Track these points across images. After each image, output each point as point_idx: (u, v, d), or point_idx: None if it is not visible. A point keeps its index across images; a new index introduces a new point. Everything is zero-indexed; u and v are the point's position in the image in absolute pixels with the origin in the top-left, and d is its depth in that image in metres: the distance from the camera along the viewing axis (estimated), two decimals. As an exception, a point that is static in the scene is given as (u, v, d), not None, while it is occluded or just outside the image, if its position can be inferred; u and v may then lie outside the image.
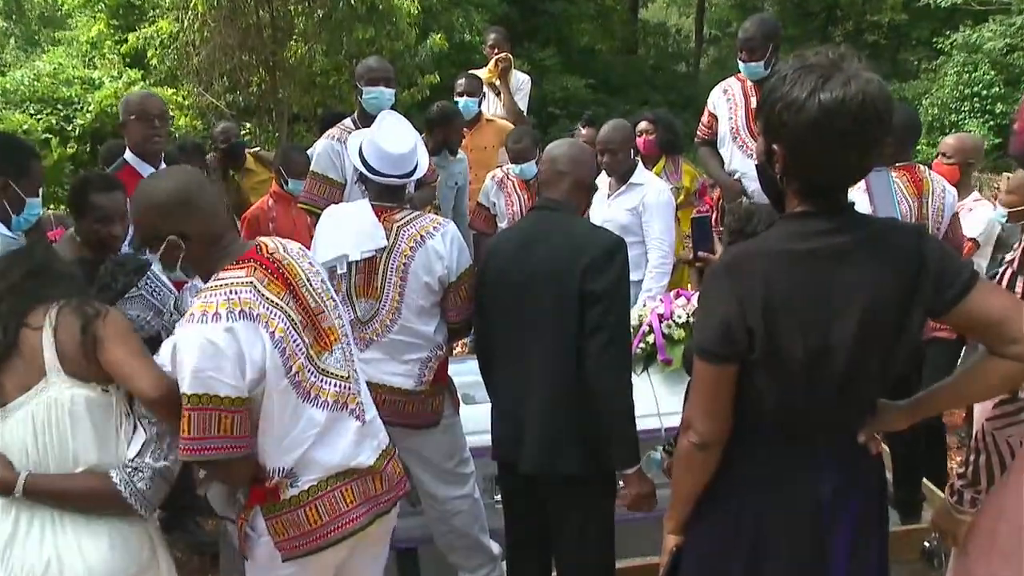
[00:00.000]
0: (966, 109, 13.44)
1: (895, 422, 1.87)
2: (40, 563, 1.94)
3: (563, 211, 2.61)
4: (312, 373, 2.12)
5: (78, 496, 2.00)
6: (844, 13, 20.92)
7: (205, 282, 2.08)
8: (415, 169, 2.96)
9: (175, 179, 2.12)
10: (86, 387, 1.99)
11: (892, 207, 3.03)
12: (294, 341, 2.07)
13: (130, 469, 2.02)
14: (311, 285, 2.18)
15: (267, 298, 2.04)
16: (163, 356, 2.01)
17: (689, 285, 4.89)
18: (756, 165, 1.84)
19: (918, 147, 13.28)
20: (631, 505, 2.54)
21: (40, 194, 2.92)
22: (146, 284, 2.25)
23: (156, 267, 2.21)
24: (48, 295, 2.05)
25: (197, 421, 1.94)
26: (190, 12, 9.42)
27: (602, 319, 2.39)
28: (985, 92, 13.32)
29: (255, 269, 2.07)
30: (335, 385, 2.18)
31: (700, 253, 2.90)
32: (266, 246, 2.16)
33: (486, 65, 6.07)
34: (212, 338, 1.93)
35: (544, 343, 2.50)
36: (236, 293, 2.00)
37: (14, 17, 16.63)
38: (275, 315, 2.04)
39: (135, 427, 2.07)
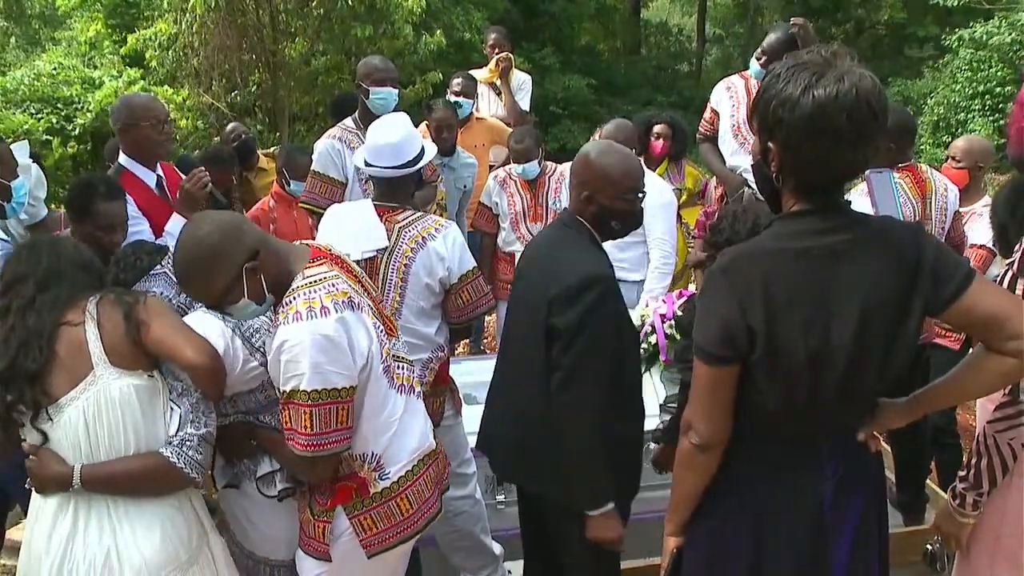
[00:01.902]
0: (976, 108, 13.29)
1: (894, 419, 1.87)
2: (101, 555, 2.00)
3: (572, 227, 2.46)
4: (391, 358, 2.22)
5: (135, 477, 2.04)
6: (844, 13, 20.88)
7: (282, 296, 2.07)
8: (415, 160, 2.94)
9: (202, 223, 2.07)
10: (133, 375, 2.04)
11: (894, 208, 3.03)
12: (378, 328, 2.16)
13: (177, 441, 2.08)
14: (365, 278, 2.27)
15: (354, 288, 2.12)
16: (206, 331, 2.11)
17: (692, 285, 4.89)
18: (752, 164, 1.84)
19: (922, 147, 13.30)
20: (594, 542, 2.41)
21: (16, 173, 2.90)
22: (168, 262, 2.28)
23: (243, 315, 2.15)
24: (77, 292, 2.08)
25: (319, 416, 1.98)
26: (188, 14, 9.42)
27: (561, 357, 2.28)
28: (999, 89, 13.07)
29: (332, 264, 2.13)
30: (405, 369, 2.29)
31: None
32: (321, 245, 2.23)
33: (485, 64, 6.07)
34: (325, 332, 1.97)
35: (518, 363, 2.50)
36: (333, 285, 2.06)
37: (14, 16, 16.65)
38: (365, 303, 2.13)
39: (171, 408, 2.12)
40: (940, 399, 1.92)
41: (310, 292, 2.02)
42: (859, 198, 3.23)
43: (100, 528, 2.02)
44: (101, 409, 2.00)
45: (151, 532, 2.05)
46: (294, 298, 2.02)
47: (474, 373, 3.66)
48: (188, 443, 2.08)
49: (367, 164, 2.92)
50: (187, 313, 2.29)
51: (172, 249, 2.42)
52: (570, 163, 2.67)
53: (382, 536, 2.20)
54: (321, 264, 2.11)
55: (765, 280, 1.66)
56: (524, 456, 2.47)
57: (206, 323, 2.17)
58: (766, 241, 1.73)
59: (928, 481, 3.74)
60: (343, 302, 2.03)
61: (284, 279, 2.08)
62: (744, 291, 1.67)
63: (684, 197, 5.19)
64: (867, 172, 2.94)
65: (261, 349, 2.19)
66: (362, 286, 2.21)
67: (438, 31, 11.40)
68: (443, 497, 2.99)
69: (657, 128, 5.13)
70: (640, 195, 2.47)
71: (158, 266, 2.28)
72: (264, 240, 2.10)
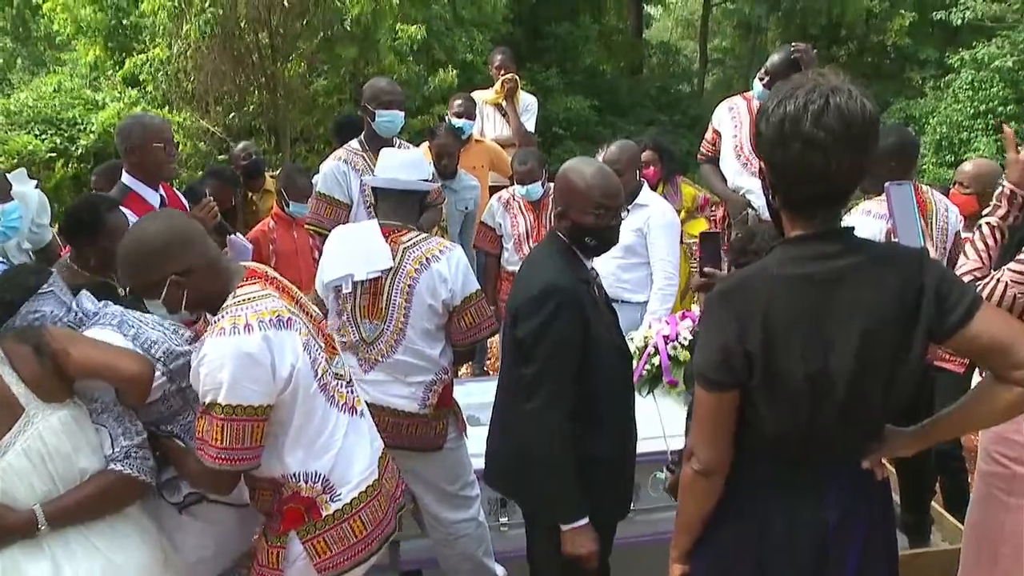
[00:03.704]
0: (979, 127, 13.35)
1: (900, 448, 1.86)
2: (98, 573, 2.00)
3: (553, 243, 2.54)
4: (331, 377, 2.23)
5: (97, 498, 2.04)
6: (847, 33, 21.00)
7: (214, 313, 2.12)
8: (425, 178, 3.01)
9: (161, 220, 2.21)
10: (66, 406, 2.03)
11: (914, 223, 2.99)
12: (315, 346, 2.18)
13: (121, 455, 2.09)
14: (304, 299, 2.30)
15: (287, 307, 2.15)
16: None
17: (694, 306, 4.89)
18: (762, 188, 1.85)
19: (925, 166, 13.34)
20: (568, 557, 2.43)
21: (9, 197, 2.87)
22: (55, 282, 2.24)
23: (156, 313, 2.22)
24: None
25: (232, 431, 2.01)
26: (180, 39, 9.47)
27: (522, 366, 2.36)
28: (1001, 109, 13.18)
29: (265, 283, 2.18)
30: (347, 389, 2.31)
31: (706, 269, 2.91)
32: (257, 266, 2.26)
33: (490, 86, 6.11)
34: (247, 349, 2.00)
35: (501, 377, 2.62)
36: (262, 304, 2.09)
37: (21, 38, 16.80)
38: (298, 321, 2.15)
39: (96, 429, 2.12)
40: (948, 429, 1.89)
41: (237, 310, 2.07)
42: (865, 218, 3.24)
43: (87, 553, 2.01)
44: (48, 444, 1.97)
45: (127, 552, 2.07)
46: (222, 315, 2.07)
47: (477, 395, 3.66)
48: (132, 453, 2.10)
49: (380, 181, 2.99)
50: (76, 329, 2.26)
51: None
52: None
53: (336, 559, 2.19)
54: (253, 284, 2.16)
55: (764, 306, 1.66)
56: (504, 467, 2.54)
57: (111, 338, 2.18)
58: (766, 266, 1.73)
59: (933, 503, 3.73)
60: (269, 320, 2.07)
61: (214, 299, 2.13)
62: (743, 317, 1.67)
63: (682, 215, 5.19)
64: (887, 184, 2.93)
65: (162, 360, 2.20)
66: (299, 306, 2.24)
67: (452, 70, 11.42)
68: (442, 518, 3.03)
69: (643, 156, 5.02)
70: (612, 212, 2.49)
71: (45, 285, 2.23)
72: (205, 261, 2.14)
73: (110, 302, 2.36)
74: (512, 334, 2.43)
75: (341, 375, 2.31)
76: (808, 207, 1.69)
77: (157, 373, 2.18)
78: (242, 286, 2.13)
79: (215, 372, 2.00)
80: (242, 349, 2.00)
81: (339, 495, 2.19)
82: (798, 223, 1.72)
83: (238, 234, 4.26)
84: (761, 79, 4.33)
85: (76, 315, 2.25)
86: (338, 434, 2.21)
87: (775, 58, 4.32)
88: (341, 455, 2.21)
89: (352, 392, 2.34)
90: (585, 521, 2.37)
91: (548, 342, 2.33)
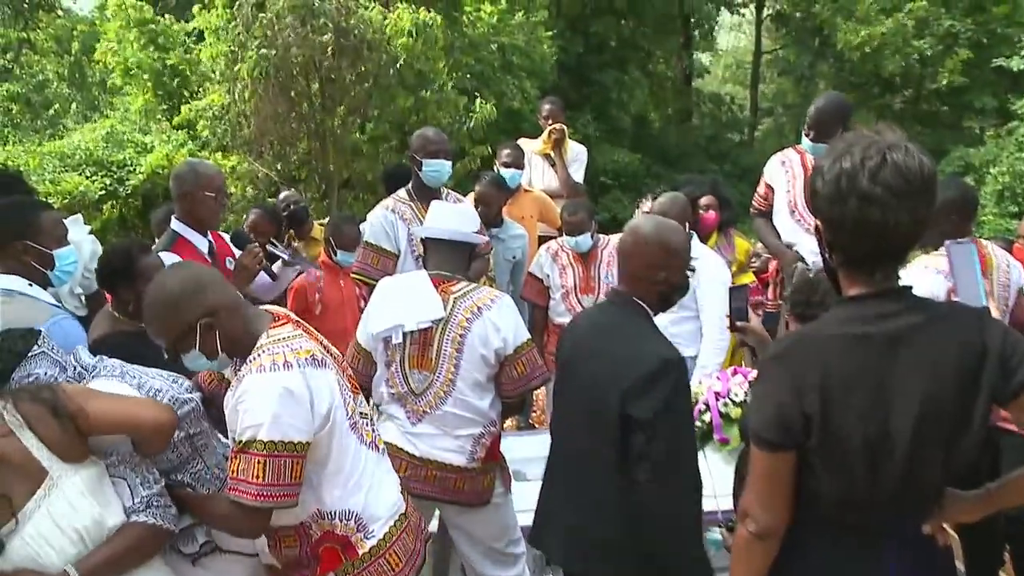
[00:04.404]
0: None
1: (964, 514, 1.83)
2: None
3: (626, 308, 2.50)
4: (357, 415, 2.30)
5: (126, 553, 2.06)
6: (903, 81, 20.85)
7: (245, 357, 2.16)
8: (475, 230, 3.07)
9: (176, 269, 2.28)
10: (87, 465, 2.06)
11: (975, 282, 2.96)
12: (343, 385, 2.25)
13: (143, 506, 2.11)
14: (326, 342, 2.37)
15: (319, 347, 2.23)
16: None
17: (743, 362, 4.87)
18: (819, 247, 1.87)
19: (986, 217, 13.12)
20: None
21: (67, 243, 2.93)
22: (45, 342, 2.25)
23: (196, 366, 2.27)
24: None
25: (273, 467, 2.05)
26: (239, 83, 9.76)
27: (645, 448, 2.27)
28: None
29: (295, 326, 2.25)
30: (372, 427, 2.38)
31: (739, 324, 2.94)
32: (280, 311, 2.34)
33: (537, 135, 6.18)
34: (288, 385, 2.06)
35: (583, 454, 2.46)
36: (296, 343, 2.17)
37: (76, 84, 17.52)
38: (329, 361, 2.23)
39: (115, 482, 2.13)
40: (1014, 494, 1.84)
41: (274, 347, 2.13)
42: (924, 274, 3.21)
43: None
44: (74, 507, 1.98)
45: None
46: (259, 354, 2.12)
47: (523, 449, 3.66)
48: (154, 502, 2.12)
49: (432, 231, 3.05)
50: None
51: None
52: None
53: None
54: (284, 324, 2.23)
55: (821, 366, 1.67)
56: (599, 546, 2.42)
57: (118, 389, 2.20)
58: (824, 326, 1.74)
59: (1001, 573, 3.63)
60: (306, 359, 2.14)
61: (247, 340, 2.18)
62: (800, 377, 1.68)
63: (734, 269, 5.18)
64: (947, 243, 2.92)
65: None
66: (324, 348, 2.29)
67: (490, 101, 11.63)
68: None
69: (703, 200, 5.13)
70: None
71: (35, 347, 2.22)
72: (228, 302, 2.21)
73: (104, 357, 2.35)
74: (604, 412, 2.34)
75: (365, 413, 2.38)
76: (866, 264, 1.71)
77: None
78: (274, 327, 2.20)
79: (256, 409, 2.04)
80: (283, 385, 2.05)
81: (372, 532, 2.24)
82: (856, 281, 1.73)
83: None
84: (807, 133, 4.31)
85: (75, 370, 2.26)
86: (368, 471, 2.28)
87: (814, 109, 4.30)
88: (372, 491, 2.27)
89: (375, 430, 2.42)
90: None
91: (674, 417, 2.31)
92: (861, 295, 1.72)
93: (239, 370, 2.16)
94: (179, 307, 2.14)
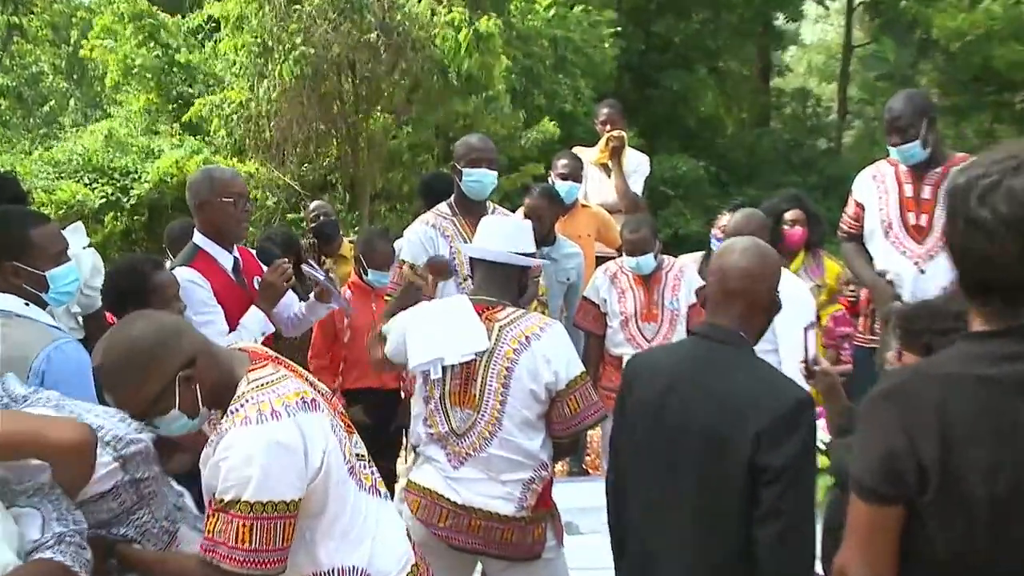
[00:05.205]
0: None
1: None
2: None
3: (732, 344, 2.43)
4: (354, 457, 2.31)
5: None
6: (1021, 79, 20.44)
7: (225, 407, 2.15)
8: (529, 251, 3.10)
9: (138, 320, 2.18)
10: None
11: None
12: (338, 426, 2.26)
13: (53, 541, 1.99)
14: (309, 376, 2.38)
15: (307, 388, 2.23)
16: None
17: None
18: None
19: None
20: None
21: (66, 259, 2.91)
22: None
23: (172, 431, 2.23)
24: None
25: (261, 531, 2.03)
26: (267, 81, 9.81)
27: (778, 502, 2.21)
28: None
29: (276, 365, 2.25)
30: (369, 469, 2.38)
31: (814, 368, 2.97)
32: (258, 348, 2.37)
33: (593, 142, 6.19)
34: (279, 438, 2.05)
35: (692, 512, 2.37)
36: (283, 387, 2.16)
37: (76, 78, 17.77)
38: (321, 401, 2.23)
39: (23, 512, 2.04)
40: None
41: (258, 396, 2.11)
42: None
43: None
44: None
45: None
46: (241, 404, 2.10)
47: (575, 498, 3.61)
48: (67, 539, 2.00)
49: (481, 251, 3.08)
50: None
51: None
52: (691, 258, 2.73)
53: None
54: (264, 366, 2.21)
55: (940, 409, 1.65)
56: None
57: (47, 413, 2.15)
58: (943, 364, 1.73)
59: None
60: (296, 403, 2.12)
61: (225, 387, 2.16)
62: (914, 420, 1.66)
63: (823, 295, 5.10)
64: None
65: (111, 444, 2.19)
66: (311, 385, 2.29)
67: (552, 121, 11.62)
68: None
69: (789, 215, 5.09)
70: None
71: None
72: (203, 345, 2.18)
73: (40, 388, 2.31)
74: (728, 461, 2.29)
75: (362, 455, 2.37)
76: (979, 295, 1.70)
77: (107, 458, 2.16)
78: (253, 369, 2.18)
79: (242, 467, 2.02)
80: (273, 438, 2.04)
81: None
82: (978, 315, 1.72)
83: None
84: (888, 140, 4.29)
85: (1, 400, 2.22)
86: (371, 520, 2.27)
87: (887, 110, 4.31)
88: (378, 543, 2.27)
89: (374, 472, 2.40)
90: None
91: (807, 469, 2.30)
92: (989, 332, 1.69)
93: (219, 424, 2.15)
94: (156, 361, 2.08)
